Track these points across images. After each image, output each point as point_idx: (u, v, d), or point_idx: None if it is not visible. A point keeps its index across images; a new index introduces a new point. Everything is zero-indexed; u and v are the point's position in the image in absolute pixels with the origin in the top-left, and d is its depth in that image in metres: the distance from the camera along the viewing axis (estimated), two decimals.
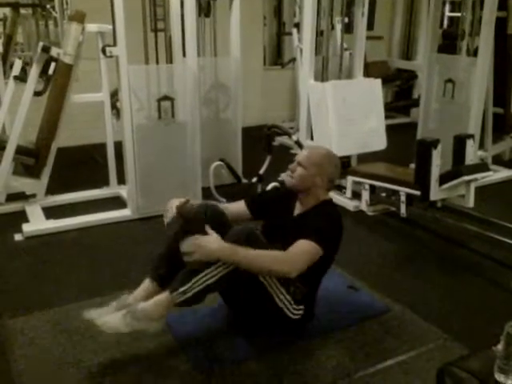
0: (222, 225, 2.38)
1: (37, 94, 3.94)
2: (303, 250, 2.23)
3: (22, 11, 5.32)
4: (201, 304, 2.26)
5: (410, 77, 7.47)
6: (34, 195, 4.17)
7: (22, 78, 3.92)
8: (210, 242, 2.16)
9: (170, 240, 2.39)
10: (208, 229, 2.22)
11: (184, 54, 3.98)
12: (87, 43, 3.99)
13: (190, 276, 2.18)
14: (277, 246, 2.29)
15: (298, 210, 2.51)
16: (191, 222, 2.31)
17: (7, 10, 5.04)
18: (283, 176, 2.53)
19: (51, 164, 4.16)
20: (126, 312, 2.19)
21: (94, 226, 3.86)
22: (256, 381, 2.23)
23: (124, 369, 2.29)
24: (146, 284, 2.38)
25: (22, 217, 3.94)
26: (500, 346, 1.55)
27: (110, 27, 3.66)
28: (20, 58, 4.11)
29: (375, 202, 4.13)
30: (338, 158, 2.58)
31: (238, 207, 2.64)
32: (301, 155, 2.50)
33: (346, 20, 4.72)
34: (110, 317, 2.20)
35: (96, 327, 2.20)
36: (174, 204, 2.41)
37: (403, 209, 3.80)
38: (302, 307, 2.36)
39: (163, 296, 2.21)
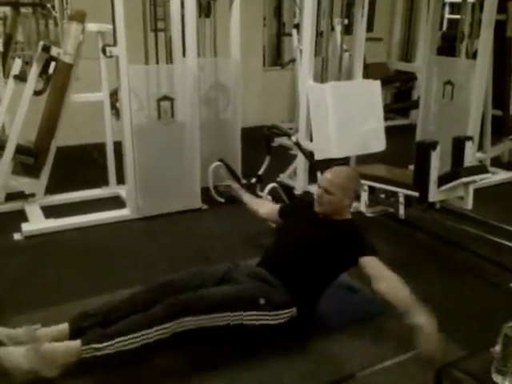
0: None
1: (36, 93, 3.94)
2: (382, 267, 2.36)
3: (22, 10, 5.31)
4: None
5: (409, 78, 7.47)
6: (33, 194, 4.16)
7: (21, 77, 3.92)
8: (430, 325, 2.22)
9: (127, 299, 2.31)
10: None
11: (184, 54, 3.99)
12: (87, 43, 3.99)
13: (114, 336, 2.08)
14: None
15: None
16: None
17: (7, 9, 5.03)
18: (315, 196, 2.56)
19: (50, 163, 4.17)
20: (30, 348, 2.04)
21: (93, 225, 3.86)
22: (255, 381, 2.23)
23: (119, 368, 2.27)
24: (64, 326, 2.25)
25: (22, 216, 3.94)
26: (497, 348, 1.56)
27: (110, 27, 3.67)
28: (20, 58, 4.11)
29: (374, 203, 4.13)
30: (357, 172, 2.65)
31: (271, 211, 2.85)
32: (324, 181, 2.50)
33: (346, 21, 4.72)
34: (13, 349, 2.06)
35: None
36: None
37: (402, 210, 3.81)
38: (289, 310, 2.35)
39: (74, 344, 2.09)
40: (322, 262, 2.42)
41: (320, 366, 2.31)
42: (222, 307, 2.21)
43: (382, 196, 4.08)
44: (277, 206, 2.86)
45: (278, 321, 2.32)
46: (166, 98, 3.89)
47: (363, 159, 4.45)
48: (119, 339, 2.07)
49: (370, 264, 2.34)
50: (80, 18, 3.89)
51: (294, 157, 4.67)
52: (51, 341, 2.16)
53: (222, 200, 4.16)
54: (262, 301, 2.27)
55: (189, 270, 2.47)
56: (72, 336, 2.20)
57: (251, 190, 4.32)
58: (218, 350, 2.38)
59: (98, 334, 2.10)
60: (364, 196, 4.07)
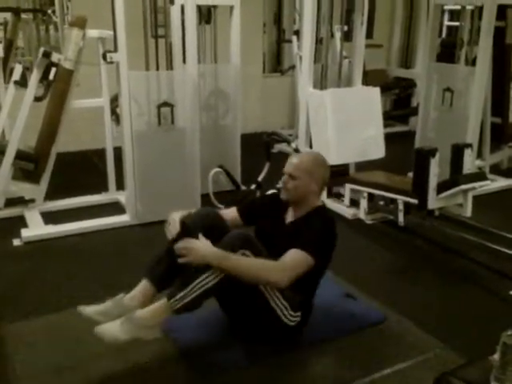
0: (221, 230, 2.39)
1: (37, 99, 3.95)
2: (295, 259, 2.24)
3: (23, 16, 5.32)
4: (199, 310, 2.25)
5: (408, 85, 7.49)
6: (32, 200, 4.16)
7: (22, 83, 3.93)
8: (201, 246, 2.19)
9: (169, 243, 2.40)
10: (201, 236, 2.24)
11: (184, 61, 4.00)
12: (88, 49, 4.00)
13: (188, 282, 2.17)
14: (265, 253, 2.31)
15: (290, 217, 2.51)
16: (189, 227, 2.33)
17: (8, 15, 5.04)
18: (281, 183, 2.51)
19: (50, 169, 4.17)
20: (123, 320, 2.18)
21: (93, 231, 3.86)
22: None
23: (123, 375, 2.29)
24: (144, 285, 2.38)
25: (21, 222, 3.94)
26: (496, 356, 1.56)
27: (111, 33, 3.68)
28: (20, 63, 4.12)
29: (373, 210, 4.14)
30: (324, 158, 2.54)
31: (229, 213, 2.64)
32: (289, 166, 2.44)
33: (346, 28, 4.74)
34: (108, 325, 2.18)
35: (95, 333, 2.17)
36: (176, 217, 2.38)
37: (401, 217, 3.81)
38: (299, 314, 2.36)
39: (161, 303, 2.21)
40: None
41: (319, 375, 2.32)
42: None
43: (382, 203, 4.08)
44: (234, 209, 2.66)
45: (291, 323, 2.34)
46: (166, 104, 3.90)
47: (362, 166, 4.46)
48: (196, 282, 2.16)
49: (291, 253, 2.25)
50: (81, 24, 3.91)
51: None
52: (140, 303, 2.30)
53: (222, 206, 4.16)
54: (287, 294, 2.29)
55: None
56: (159, 288, 2.36)
57: (251, 196, 4.34)
58: (216, 356, 2.39)
59: (176, 285, 2.21)
60: (363, 203, 4.08)
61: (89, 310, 2.31)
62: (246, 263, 2.19)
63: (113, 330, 2.16)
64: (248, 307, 2.33)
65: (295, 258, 2.24)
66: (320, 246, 2.32)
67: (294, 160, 2.46)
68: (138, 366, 2.33)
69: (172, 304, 2.17)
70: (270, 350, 2.42)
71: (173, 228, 2.37)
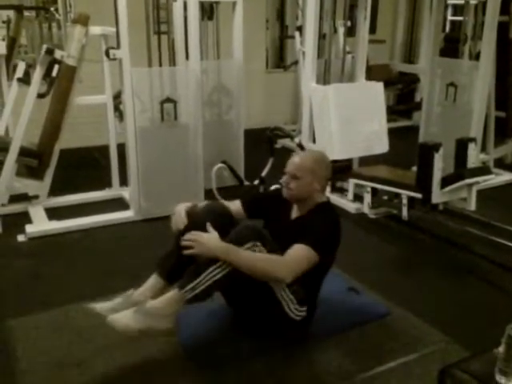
0: (229, 223, 2.40)
1: (40, 96, 3.95)
2: (300, 255, 2.24)
3: (26, 14, 5.32)
4: (206, 303, 2.26)
5: (412, 80, 7.47)
6: (36, 196, 4.18)
7: (25, 80, 3.94)
8: (208, 239, 2.20)
9: (177, 237, 2.41)
10: (209, 227, 2.26)
11: (187, 57, 4.00)
12: (91, 45, 4.00)
13: (198, 272, 2.18)
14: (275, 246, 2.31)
15: (295, 213, 2.51)
16: (196, 221, 2.33)
17: (11, 13, 5.05)
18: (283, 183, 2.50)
19: (54, 165, 4.18)
20: (135, 309, 2.18)
21: (97, 227, 3.87)
22: (259, 382, 2.24)
23: (127, 369, 2.29)
24: (153, 280, 2.39)
25: (25, 218, 3.96)
26: (501, 349, 1.56)
27: (114, 30, 3.68)
28: (23, 61, 4.12)
29: (377, 204, 4.13)
30: (326, 156, 2.55)
31: (232, 206, 2.63)
32: (290, 166, 2.43)
33: (349, 23, 4.74)
34: (119, 314, 2.19)
35: (106, 324, 2.17)
36: (182, 210, 2.46)
37: (405, 212, 3.81)
38: (304, 309, 2.36)
39: (172, 293, 2.21)
40: None
41: (325, 368, 2.32)
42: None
43: (385, 197, 4.08)
44: (238, 202, 2.65)
45: (297, 317, 2.34)
46: (169, 100, 3.90)
47: (366, 161, 4.45)
48: (206, 273, 2.16)
49: (296, 248, 2.25)
50: (83, 21, 3.90)
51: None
52: (149, 297, 2.29)
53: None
54: (294, 287, 2.29)
55: None
56: (169, 281, 2.36)
57: (254, 191, 4.34)
58: (221, 350, 2.39)
59: (187, 276, 2.21)
60: (367, 197, 4.07)
61: (98, 307, 2.30)
62: (252, 257, 2.19)
63: (125, 318, 2.16)
64: (254, 300, 2.32)
65: (300, 254, 2.24)
66: (324, 242, 2.31)
67: (295, 160, 2.45)
68: (142, 360, 2.34)
69: (183, 294, 2.17)
70: (275, 344, 2.42)
71: (179, 220, 2.43)
